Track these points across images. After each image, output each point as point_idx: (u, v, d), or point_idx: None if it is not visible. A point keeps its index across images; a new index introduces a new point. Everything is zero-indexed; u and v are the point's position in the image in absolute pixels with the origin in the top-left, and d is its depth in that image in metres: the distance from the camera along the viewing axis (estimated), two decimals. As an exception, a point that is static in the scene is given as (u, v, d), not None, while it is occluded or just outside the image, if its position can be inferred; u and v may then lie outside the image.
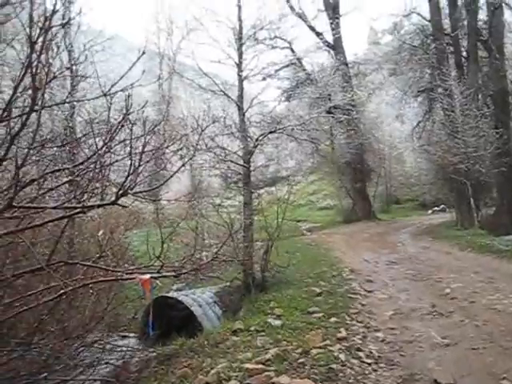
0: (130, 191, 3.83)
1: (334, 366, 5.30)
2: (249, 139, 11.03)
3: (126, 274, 4.22)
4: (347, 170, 29.48)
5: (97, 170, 4.06)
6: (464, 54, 22.99)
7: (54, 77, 3.65)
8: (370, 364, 5.48)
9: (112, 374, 6.97)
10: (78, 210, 3.88)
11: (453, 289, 8.81)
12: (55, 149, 5.36)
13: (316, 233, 25.79)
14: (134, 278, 3.99)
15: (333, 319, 7.28)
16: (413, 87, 26.24)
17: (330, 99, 24.43)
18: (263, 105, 12.92)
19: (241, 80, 11.38)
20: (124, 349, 8.05)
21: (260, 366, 5.30)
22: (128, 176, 3.86)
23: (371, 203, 30.53)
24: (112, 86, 4.38)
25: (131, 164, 3.95)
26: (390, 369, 5.35)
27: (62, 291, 4.08)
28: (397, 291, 9.28)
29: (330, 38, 30.02)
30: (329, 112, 27.68)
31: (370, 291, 9.46)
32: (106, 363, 6.94)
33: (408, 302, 8.32)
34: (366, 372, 5.26)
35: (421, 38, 25.05)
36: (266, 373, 5.07)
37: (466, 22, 22.84)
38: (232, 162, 10.90)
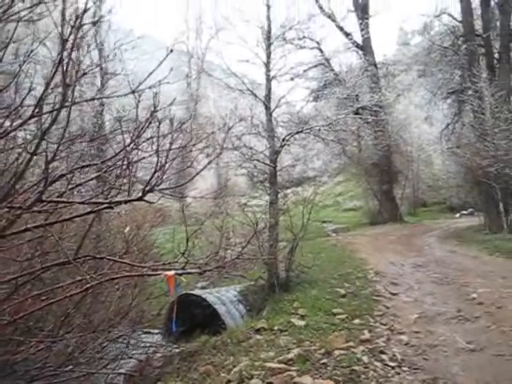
0: (156, 188, 3.87)
1: (356, 367, 5.30)
2: (275, 139, 11.05)
3: (151, 270, 4.26)
4: (374, 172, 29.20)
5: (124, 167, 4.11)
6: (496, 55, 22.50)
7: (84, 73, 3.72)
8: (393, 367, 5.46)
9: (135, 368, 7.08)
10: (106, 205, 3.94)
11: (479, 293, 8.67)
12: (84, 145, 5.45)
13: (341, 234, 25.63)
14: (158, 274, 4.04)
15: (356, 321, 7.28)
16: (442, 89, 25.87)
17: (357, 100, 24.30)
18: (291, 105, 12.86)
19: (269, 80, 11.40)
20: (147, 344, 8.15)
21: (282, 365, 5.33)
22: (154, 173, 3.91)
23: (398, 205, 30.19)
24: (140, 83, 4.44)
25: (158, 161, 4.01)
26: (414, 372, 5.32)
27: (88, 285, 4.14)
28: (422, 294, 9.18)
29: (358, 38, 29.85)
30: (356, 113, 27.54)
31: (394, 294, 9.39)
32: (130, 358, 7.04)
33: (433, 306, 8.23)
34: (389, 375, 5.24)
35: (451, 39, 24.65)
36: (289, 372, 5.09)
37: (498, 23, 22.44)
38: (258, 161, 10.93)
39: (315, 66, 29.27)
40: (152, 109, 4.87)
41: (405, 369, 5.43)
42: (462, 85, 22.39)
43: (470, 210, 30.62)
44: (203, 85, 34.81)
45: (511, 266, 11.64)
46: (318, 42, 27.66)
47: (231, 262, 5.19)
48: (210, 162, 4.87)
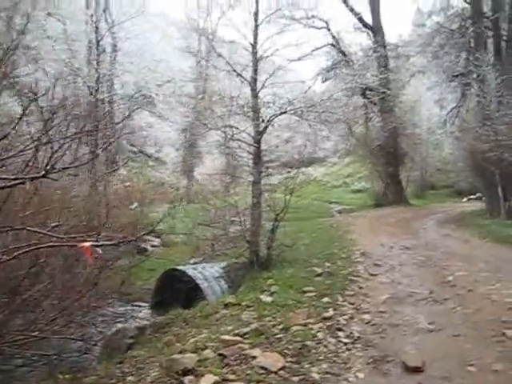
0: (56, 167, 4.06)
1: (309, 343, 5.49)
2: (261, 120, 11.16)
3: (68, 240, 4.45)
4: (380, 154, 29.12)
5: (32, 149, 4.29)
6: (505, 38, 22.06)
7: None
8: (345, 344, 5.63)
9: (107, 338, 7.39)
10: (18, 181, 4.13)
11: (456, 276, 8.77)
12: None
13: (345, 215, 25.79)
14: (75, 245, 4.24)
15: (325, 299, 7.42)
16: (448, 72, 25.59)
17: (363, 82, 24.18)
18: (276, 86, 12.75)
19: (255, 61, 11.48)
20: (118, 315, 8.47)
21: (237, 338, 5.55)
22: (52, 155, 4.09)
23: (403, 188, 30.14)
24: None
25: (51, 145, 4.19)
26: (365, 349, 5.48)
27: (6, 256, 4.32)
28: (401, 276, 9.30)
29: (369, 19, 29.51)
30: (363, 94, 27.44)
31: (373, 275, 9.52)
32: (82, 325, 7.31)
33: (407, 287, 8.35)
34: (339, 351, 5.41)
35: (459, 21, 24.27)
36: (240, 345, 5.31)
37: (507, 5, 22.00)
38: (241, 141, 11.06)
39: (323, 47, 29.01)
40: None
41: (357, 346, 5.59)
42: (467, 68, 22.09)
43: (478, 194, 30.41)
44: (214, 64, 34.48)
45: (498, 250, 11.72)
46: (326, 22, 27.55)
47: (144, 235, 5.36)
48: (105, 148, 5.03)
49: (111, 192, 14.89)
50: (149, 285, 12.92)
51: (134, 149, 42.22)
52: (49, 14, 36.97)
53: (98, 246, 3.95)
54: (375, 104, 27.92)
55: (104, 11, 31.40)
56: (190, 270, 10.79)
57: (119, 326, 8.73)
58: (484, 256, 10.86)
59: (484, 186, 21.02)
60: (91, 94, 15.50)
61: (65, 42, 24.54)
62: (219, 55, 12.46)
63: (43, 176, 3.99)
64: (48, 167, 3.89)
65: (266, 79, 11.57)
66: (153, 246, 19.36)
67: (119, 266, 10.76)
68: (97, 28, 20.60)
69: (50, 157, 3.98)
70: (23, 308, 5.36)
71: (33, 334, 5.26)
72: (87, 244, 3.78)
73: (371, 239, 14.41)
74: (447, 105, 31.16)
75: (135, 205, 17.12)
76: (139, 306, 11.64)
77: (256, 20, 11.58)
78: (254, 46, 11.53)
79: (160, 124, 46.27)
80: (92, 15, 20.75)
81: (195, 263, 13.57)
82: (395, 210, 25.82)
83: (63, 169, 4.27)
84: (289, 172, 15.93)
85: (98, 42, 20.06)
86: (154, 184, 32.71)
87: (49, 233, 4.40)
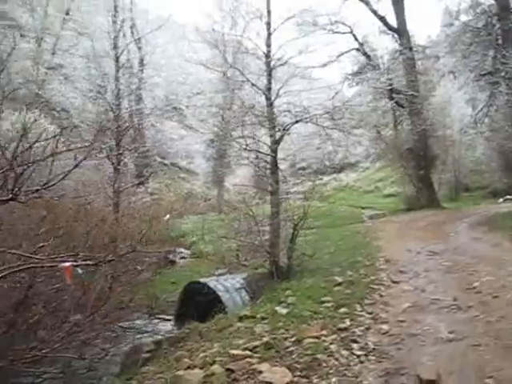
0: (21, 190, 4.07)
1: (319, 356, 5.35)
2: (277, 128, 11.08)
3: (47, 261, 4.45)
4: (410, 157, 28.63)
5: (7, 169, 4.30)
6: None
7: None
8: (358, 356, 5.47)
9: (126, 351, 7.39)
10: None
11: (482, 282, 8.47)
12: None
13: (375, 220, 25.41)
14: (55, 266, 4.24)
15: (342, 309, 7.27)
16: (475, 71, 25.04)
17: (391, 84, 23.98)
18: (290, 94, 12.65)
19: (269, 70, 11.43)
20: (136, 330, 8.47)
21: (246, 352, 5.46)
22: (17, 179, 4.09)
23: (435, 191, 29.52)
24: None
25: (13, 169, 4.19)
26: (379, 361, 5.32)
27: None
28: (425, 283, 9.04)
29: (394, 21, 29.07)
30: (391, 97, 27.13)
31: (396, 282, 9.28)
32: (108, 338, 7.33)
33: (431, 295, 8.11)
34: (351, 364, 5.27)
35: (485, 18, 23.74)
36: (249, 359, 5.22)
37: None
38: (258, 151, 11.02)
39: (349, 51, 28.70)
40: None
41: (371, 358, 5.43)
42: (495, 66, 21.57)
43: (515, 194, 29.49)
44: (236, 74, 34.51)
45: (529, 253, 11.30)
46: (350, 27, 27.28)
47: (125, 254, 5.33)
48: (78, 164, 4.99)
49: (136, 206, 15.03)
50: (173, 297, 12.96)
51: (166, 161, 42.70)
52: (79, 33, 38.01)
53: (77, 265, 3.94)
54: (404, 107, 27.49)
55: (131, 27, 32.18)
56: (211, 282, 10.79)
57: (143, 339, 8.78)
58: (514, 260, 10.47)
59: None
60: (111, 110, 15.82)
61: (93, 60, 25.07)
62: (231, 66, 12.49)
63: (11, 199, 4.03)
64: (15, 190, 3.93)
65: (280, 88, 11.47)
66: (182, 257, 19.54)
67: (140, 279, 10.83)
68: (115, 44, 21.04)
69: (16, 180, 4.01)
70: (34, 326, 5.41)
71: (39, 352, 5.30)
72: (67, 264, 3.78)
73: (398, 245, 14.11)
74: (479, 104, 30.47)
75: (167, 217, 17.28)
76: (163, 319, 11.68)
77: (268, 29, 11.57)
78: (267, 55, 11.51)
79: (192, 135, 46.66)
80: (109, 32, 21.23)
81: (220, 274, 13.59)
82: (427, 213, 25.25)
83: (36, 191, 4.29)
84: (321, 179, 15.86)
85: (117, 57, 20.44)
86: (184, 195, 32.98)
87: (30, 255, 4.43)
